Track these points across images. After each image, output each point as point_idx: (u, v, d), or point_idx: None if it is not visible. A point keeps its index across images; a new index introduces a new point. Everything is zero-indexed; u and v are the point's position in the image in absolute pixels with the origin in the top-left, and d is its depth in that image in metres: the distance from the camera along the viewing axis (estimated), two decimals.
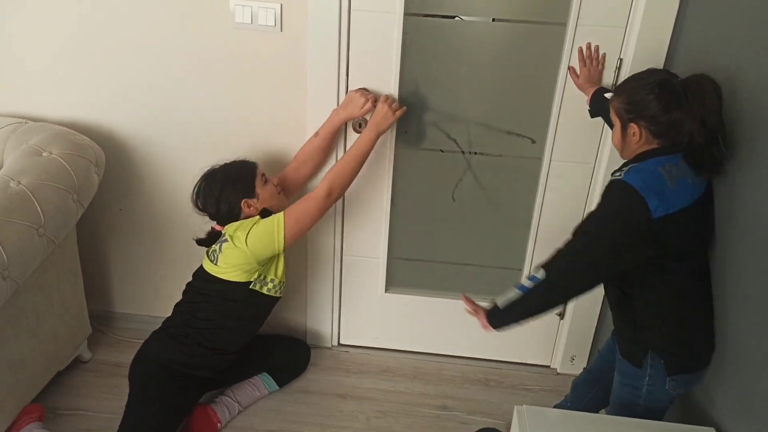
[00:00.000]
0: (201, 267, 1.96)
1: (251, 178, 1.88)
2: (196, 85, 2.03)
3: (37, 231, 1.68)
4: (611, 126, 1.57)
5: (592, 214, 1.49)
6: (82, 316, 2.20)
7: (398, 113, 1.88)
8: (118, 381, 2.19)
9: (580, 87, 1.90)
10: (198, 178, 1.91)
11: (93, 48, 2.01)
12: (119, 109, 2.10)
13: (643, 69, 1.54)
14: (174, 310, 2.00)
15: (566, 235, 1.48)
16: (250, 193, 1.88)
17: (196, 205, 1.92)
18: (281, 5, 1.88)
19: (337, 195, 1.86)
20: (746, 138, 1.43)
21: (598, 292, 1.94)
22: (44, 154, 1.84)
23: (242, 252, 1.81)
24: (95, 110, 2.11)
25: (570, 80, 1.92)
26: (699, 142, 1.44)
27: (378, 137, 1.88)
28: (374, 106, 1.88)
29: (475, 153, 2.09)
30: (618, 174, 1.47)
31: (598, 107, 1.84)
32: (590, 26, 1.85)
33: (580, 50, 1.89)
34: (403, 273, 2.30)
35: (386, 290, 2.31)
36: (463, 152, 2.09)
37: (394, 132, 2.04)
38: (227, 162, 1.92)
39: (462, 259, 2.26)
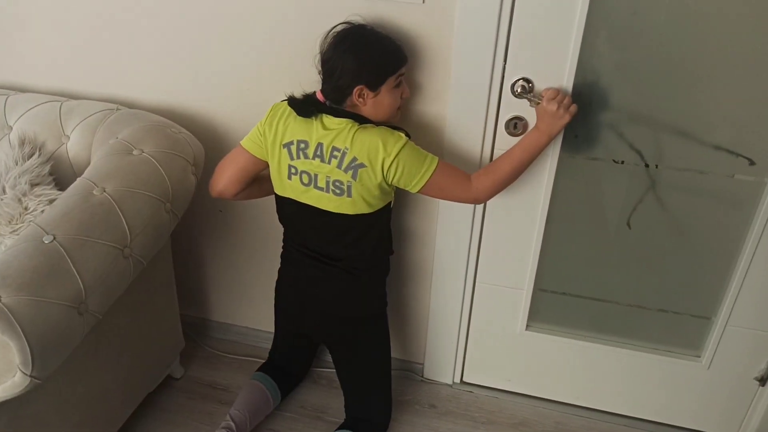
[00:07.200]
0: (310, 213, 1.54)
1: (389, 71, 1.44)
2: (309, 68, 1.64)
3: (123, 252, 1.38)
4: None
5: None
6: (175, 330, 1.93)
7: (572, 109, 1.44)
8: (212, 407, 1.93)
9: None
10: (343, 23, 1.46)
11: (191, 24, 1.67)
12: (217, 94, 1.76)
13: None
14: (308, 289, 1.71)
15: None
16: (374, 86, 1.43)
17: (321, 53, 1.46)
18: None
19: (483, 201, 1.64)
20: None
21: None
22: (135, 152, 1.52)
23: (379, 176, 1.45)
24: (193, 94, 1.78)
25: None
26: None
27: (549, 143, 1.49)
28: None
29: (663, 167, 1.59)
30: None
31: None
32: None
33: None
34: (551, 309, 1.86)
35: (527, 327, 1.88)
36: (647, 165, 1.59)
37: (561, 135, 1.57)
38: (382, 33, 1.46)
39: (630, 299, 1.78)
